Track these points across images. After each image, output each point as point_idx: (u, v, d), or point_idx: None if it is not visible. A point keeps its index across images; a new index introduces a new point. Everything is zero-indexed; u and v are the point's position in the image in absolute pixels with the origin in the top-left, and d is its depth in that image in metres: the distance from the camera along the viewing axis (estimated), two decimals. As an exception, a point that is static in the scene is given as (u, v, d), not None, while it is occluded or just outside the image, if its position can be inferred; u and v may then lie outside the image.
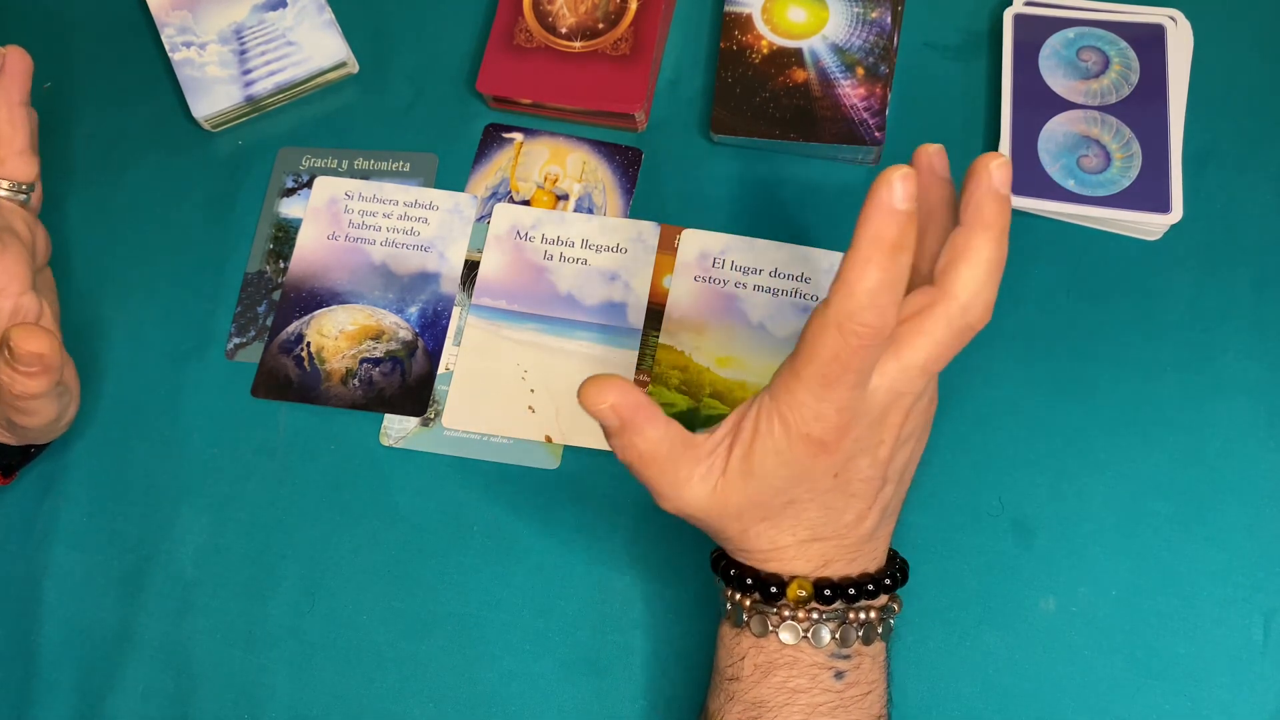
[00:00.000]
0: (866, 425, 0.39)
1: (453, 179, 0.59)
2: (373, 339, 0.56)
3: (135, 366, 0.57)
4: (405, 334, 0.56)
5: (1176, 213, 0.53)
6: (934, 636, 0.50)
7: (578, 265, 0.57)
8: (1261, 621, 0.49)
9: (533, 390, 0.54)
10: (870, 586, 0.41)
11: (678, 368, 0.54)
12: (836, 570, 0.41)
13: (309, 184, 0.60)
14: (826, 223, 0.57)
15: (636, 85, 0.58)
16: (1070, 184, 0.54)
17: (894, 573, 0.43)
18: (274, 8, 0.62)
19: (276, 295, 0.58)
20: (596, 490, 0.53)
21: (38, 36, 0.64)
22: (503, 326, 0.56)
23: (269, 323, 0.57)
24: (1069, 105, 0.55)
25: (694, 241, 0.56)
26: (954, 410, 0.53)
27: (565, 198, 0.58)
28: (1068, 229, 0.55)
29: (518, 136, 0.60)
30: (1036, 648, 0.49)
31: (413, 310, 0.57)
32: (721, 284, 0.55)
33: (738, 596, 0.42)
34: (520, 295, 0.56)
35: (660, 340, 0.55)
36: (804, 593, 0.41)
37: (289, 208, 0.59)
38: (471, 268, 0.57)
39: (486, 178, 0.59)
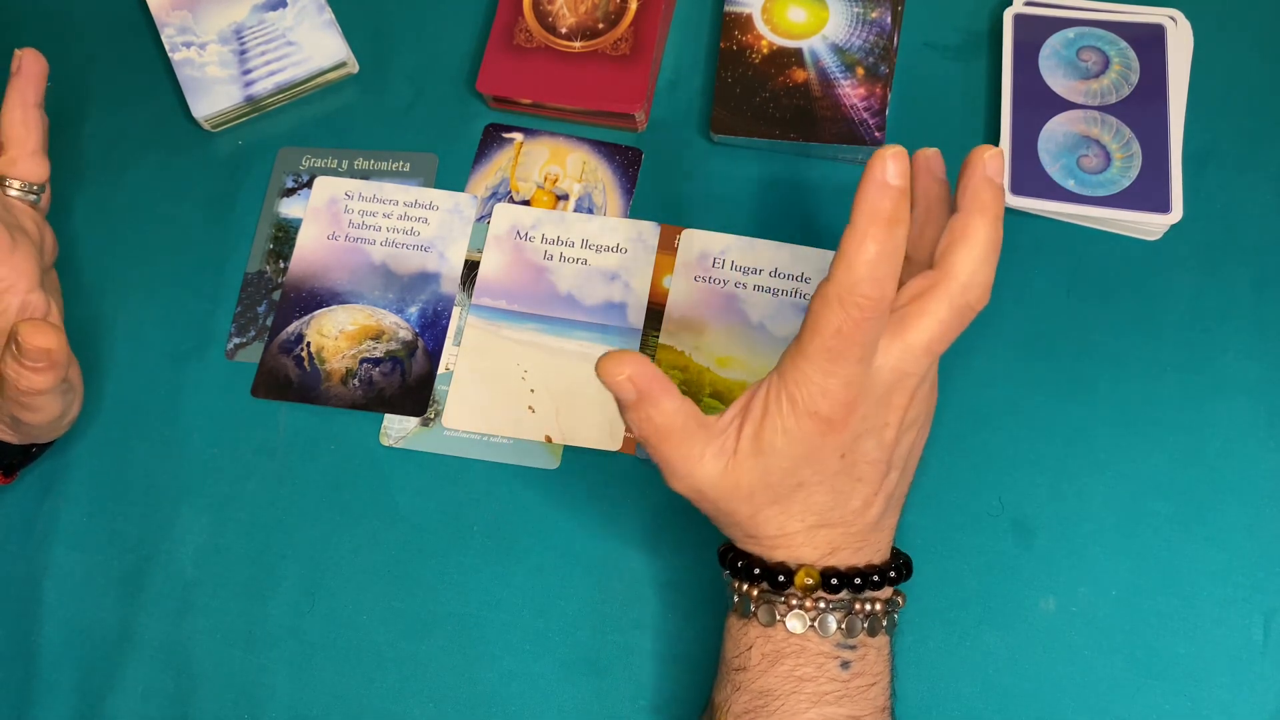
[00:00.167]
0: (872, 404, 0.40)
1: (453, 179, 0.59)
2: (373, 339, 0.56)
3: (135, 366, 0.57)
4: (405, 334, 0.56)
5: (1176, 213, 0.53)
6: (934, 636, 0.50)
7: (578, 265, 0.57)
8: (1261, 621, 0.49)
9: (533, 390, 0.54)
10: (875, 578, 0.42)
11: (678, 368, 0.54)
12: (843, 559, 0.42)
13: (309, 184, 0.60)
14: (826, 223, 0.57)
15: (636, 85, 0.58)
16: (1070, 184, 0.54)
17: (898, 566, 0.43)
18: (274, 8, 0.62)
19: (276, 295, 0.58)
20: (596, 490, 0.53)
21: (38, 37, 0.64)
22: (503, 326, 0.56)
23: (269, 323, 0.57)
24: (1069, 105, 0.56)
25: (694, 241, 0.56)
26: (954, 410, 0.53)
27: (565, 198, 0.58)
28: (1068, 229, 0.55)
29: (518, 136, 0.60)
30: (1036, 648, 0.49)
31: (413, 310, 0.57)
32: (721, 284, 0.55)
33: (745, 587, 0.43)
34: (520, 295, 0.56)
35: (660, 340, 0.55)
36: (811, 581, 0.41)
37: (289, 208, 0.59)
38: (471, 268, 0.57)
39: (486, 178, 0.59)
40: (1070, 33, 0.57)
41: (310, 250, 0.58)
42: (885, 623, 0.42)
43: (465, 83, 0.62)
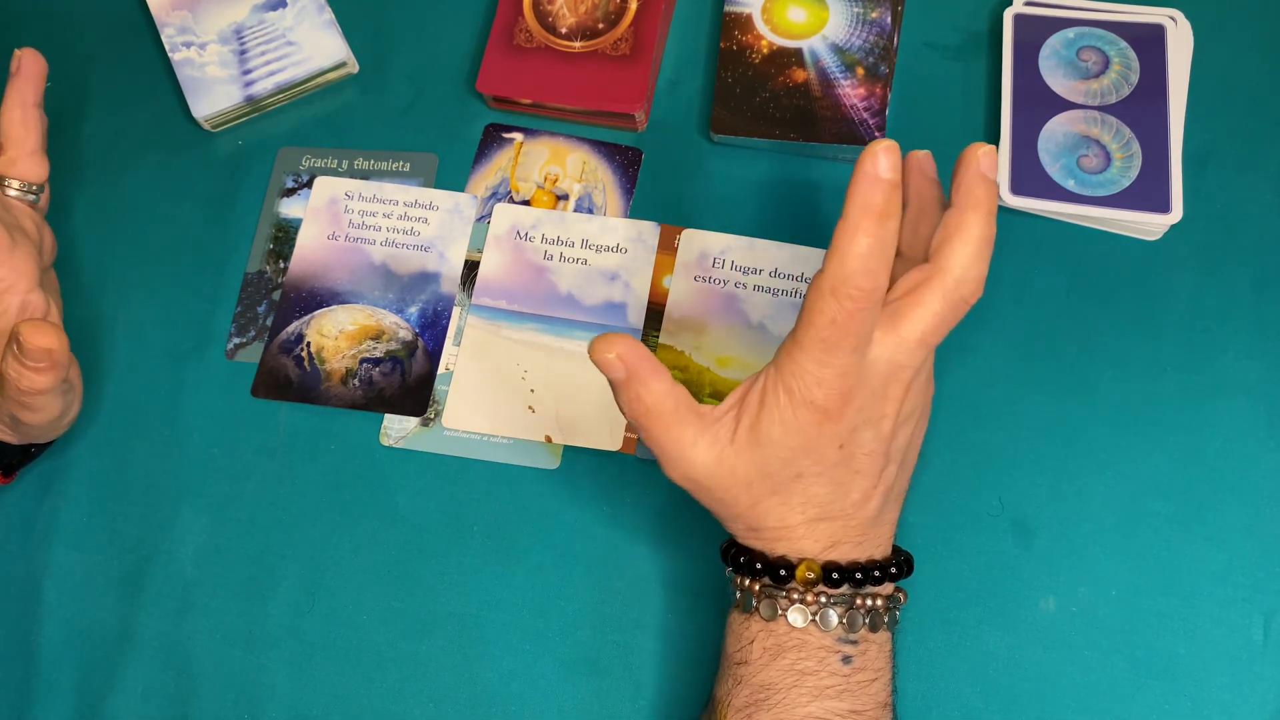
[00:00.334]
0: (868, 396, 0.40)
1: (453, 179, 0.59)
2: (373, 339, 0.56)
3: (135, 366, 0.57)
4: (405, 334, 0.56)
5: (1176, 213, 0.53)
6: (934, 636, 0.50)
7: (578, 265, 0.57)
8: (1261, 621, 0.49)
9: (533, 390, 0.54)
10: (876, 573, 0.42)
11: (678, 368, 0.54)
12: (844, 553, 0.42)
13: (309, 184, 0.60)
14: (826, 223, 0.57)
15: (636, 85, 0.58)
16: (1070, 184, 0.54)
17: (899, 563, 0.44)
18: (274, 8, 0.62)
19: (276, 295, 0.58)
20: (596, 490, 0.53)
21: (38, 36, 0.64)
22: (503, 326, 0.56)
23: (269, 323, 0.57)
24: (1069, 105, 0.56)
25: (694, 241, 0.56)
26: (954, 410, 0.53)
27: (565, 198, 0.58)
28: (1068, 229, 0.55)
29: (518, 136, 0.60)
30: (1036, 648, 0.49)
31: (413, 310, 0.57)
32: (721, 284, 0.55)
33: (747, 582, 0.43)
34: (520, 295, 0.56)
35: (660, 340, 0.55)
36: (812, 575, 0.42)
37: (289, 208, 0.59)
38: (471, 268, 0.57)
39: (486, 178, 0.59)
40: (1070, 33, 0.57)
41: (310, 250, 0.58)
42: (887, 618, 0.43)
43: (465, 83, 0.62)
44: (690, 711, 0.49)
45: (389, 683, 0.51)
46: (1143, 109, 0.55)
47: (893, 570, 0.43)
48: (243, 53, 0.61)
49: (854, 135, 0.56)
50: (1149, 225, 0.54)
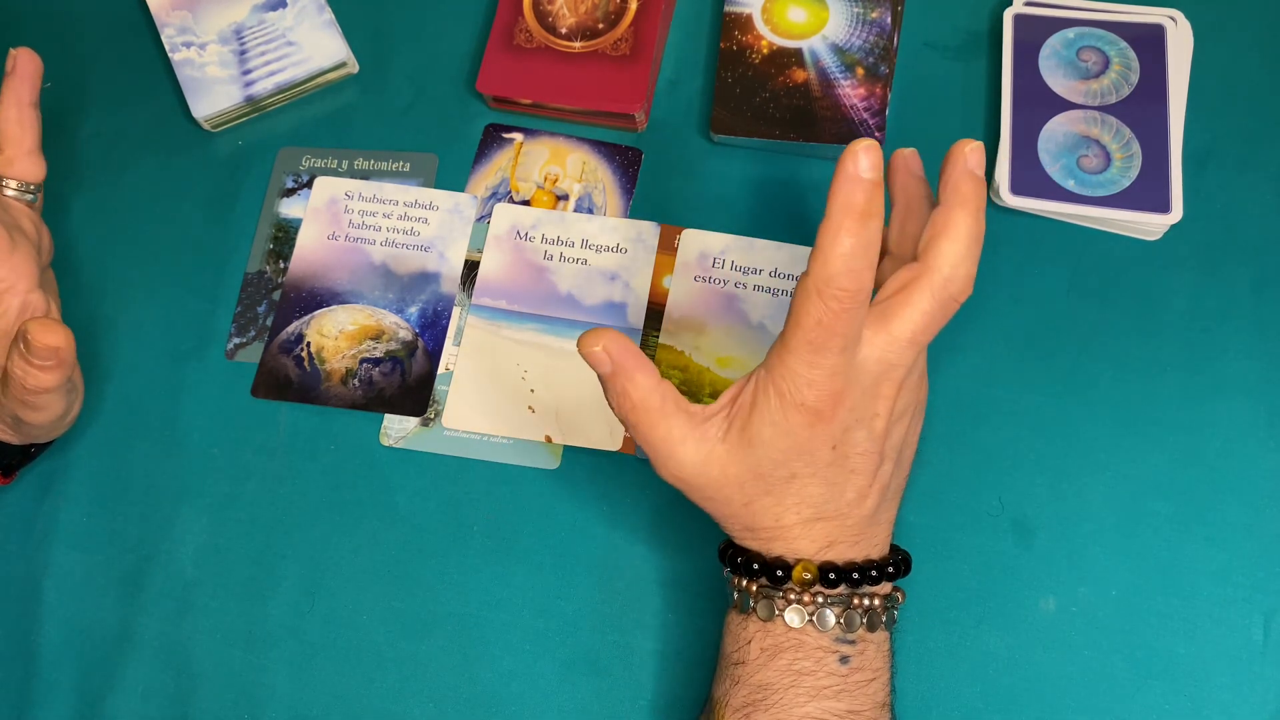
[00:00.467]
0: (859, 394, 0.40)
1: (453, 179, 0.59)
2: (373, 339, 0.56)
3: (135, 366, 0.57)
4: (405, 334, 0.56)
5: (1176, 213, 0.53)
6: (934, 636, 0.50)
7: (578, 265, 0.57)
8: (1261, 621, 0.49)
9: (533, 390, 0.54)
10: (873, 572, 0.42)
11: (678, 368, 0.54)
12: (840, 553, 0.42)
13: (309, 184, 0.60)
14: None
15: (636, 85, 0.58)
16: (1070, 184, 0.54)
17: (897, 562, 0.44)
18: (274, 8, 0.62)
19: (276, 295, 0.58)
20: (596, 490, 0.53)
21: (38, 36, 0.64)
22: (503, 326, 0.56)
23: (269, 323, 0.57)
24: (1069, 105, 0.56)
25: (694, 241, 0.56)
26: (954, 410, 0.53)
27: (565, 198, 0.58)
28: (1068, 229, 0.55)
29: (518, 136, 0.60)
30: (1036, 648, 0.49)
31: (413, 310, 0.57)
32: (721, 284, 0.55)
33: (744, 583, 0.43)
34: (520, 295, 0.56)
35: (660, 340, 0.55)
36: (809, 575, 0.42)
37: (289, 208, 0.59)
38: (471, 268, 0.57)
39: (486, 178, 0.59)
40: (1070, 33, 0.57)
41: (310, 250, 0.58)
42: (884, 618, 0.43)
43: (465, 83, 0.62)
44: (690, 711, 0.49)
45: (389, 683, 0.51)
46: (1143, 109, 0.55)
47: (890, 570, 0.43)
48: (243, 53, 0.61)
49: (854, 135, 0.56)
50: (1149, 225, 0.54)
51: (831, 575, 0.42)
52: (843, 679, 0.42)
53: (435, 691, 0.51)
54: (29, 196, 0.53)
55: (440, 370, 0.55)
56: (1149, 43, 0.56)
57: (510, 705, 0.50)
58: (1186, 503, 0.51)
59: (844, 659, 0.42)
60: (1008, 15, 0.58)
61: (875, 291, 0.42)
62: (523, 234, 0.57)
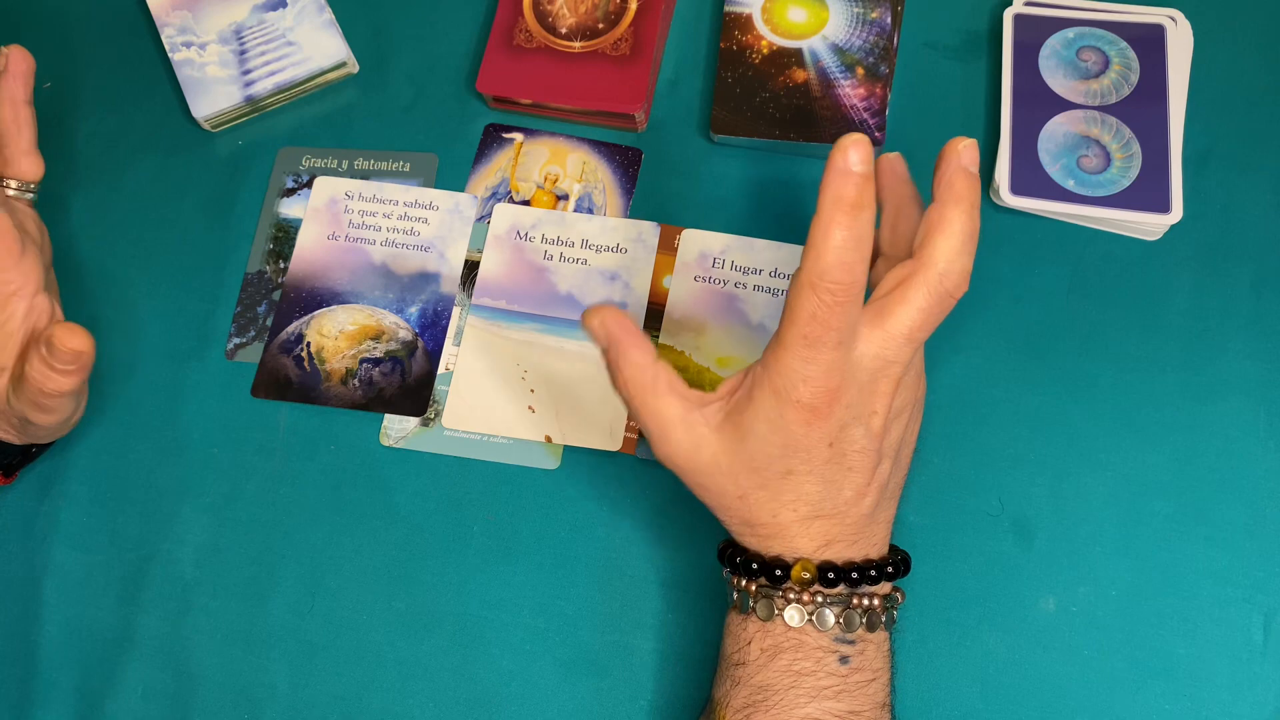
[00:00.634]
0: (856, 392, 0.40)
1: (453, 179, 0.59)
2: (373, 339, 0.56)
3: (135, 366, 0.57)
4: (405, 334, 0.56)
5: (1176, 213, 0.53)
6: (934, 636, 0.50)
7: (578, 265, 0.57)
8: (1261, 621, 0.49)
9: (533, 390, 0.54)
10: (872, 572, 0.42)
11: (678, 368, 0.54)
12: (839, 552, 0.42)
13: (309, 184, 0.60)
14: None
15: (636, 85, 0.58)
16: (1070, 184, 0.54)
17: (896, 562, 0.44)
18: (274, 8, 0.62)
19: (276, 295, 0.58)
20: (596, 490, 0.53)
21: (38, 36, 0.64)
22: (503, 326, 0.56)
23: (269, 323, 0.57)
24: (1069, 105, 0.56)
25: (694, 241, 0.56)
26: (954, 410, 0.53)
27: (565, 198, 0.58)
28: (1068, 229, 0.55)
29: (518, 136, 0.60)
30: (1036, 648, 0.49)
31: (413, 310, 0.57)
32: (721, 284, 0.55)
33: (744, 583, 0.43)
34: (520, 295, 0.56)
35: (660, 340, 0.55)
36: (808, 574, 0.42)
37: (289, 208, 0.59)
38: (471, 268, 0.57)
39: (486, 178, 0.59)
40: (1070, 33, 0.57)
41: (310, 250, 0.58)
42: (884, 618, 0.43)
43: (465, 83, 0.62)
44: (690, 712, 0.49)
45: (389, 683, 0.51)
46: (1143, 109, 0.55)
47: (889, 570, 0.43)
48: (243, 53, 0.61)
49: (854, 135, 0.56)
50: (1149, 225, 0.54)
51: (830, 574, 0.42)
52: (843, 679, 0.42)
53: (435, 691, 0.51)
54: (29, 195, 0.54)
55: (440, 370, 0.55)
56: (1149, 43, 0.56)
57: (510, 705, 0.50)
58: (1186, 503, 0.51)
59: (844, 659, 0.42)
60: (1008, 15, 0.58)
61: (871, 291, 0.42)
62: (523, 234, 0.57)
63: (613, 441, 0.53)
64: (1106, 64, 0.56)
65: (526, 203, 0.58)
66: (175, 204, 0.60)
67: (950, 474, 0.52)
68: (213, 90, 0.60)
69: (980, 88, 0.59)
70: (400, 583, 0.53)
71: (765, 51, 0.58)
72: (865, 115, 0.56)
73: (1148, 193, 0.53)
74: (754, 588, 0.43)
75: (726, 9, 0.59)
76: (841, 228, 0.38)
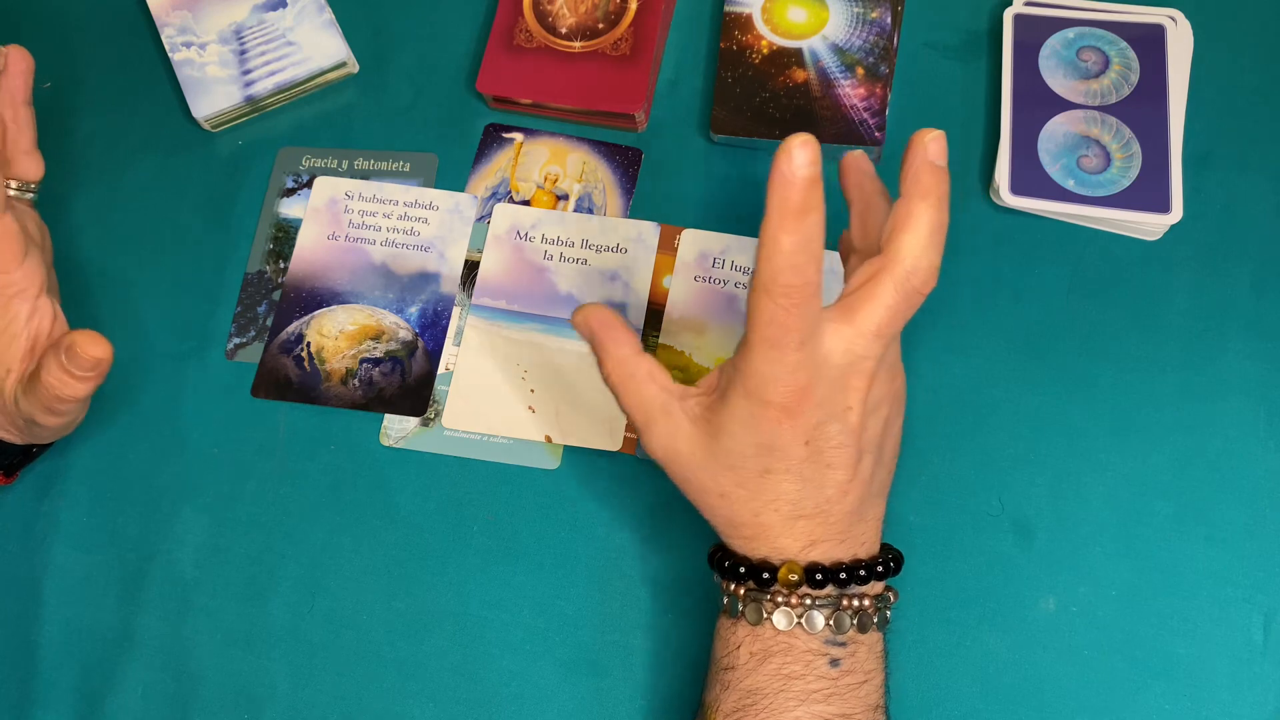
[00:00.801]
0: (827, 388, 0.40)
1: (453, 179, 0.59)
2: (373, 339, 0.56)
3: (135, 367, 0.57)
4: (405, 334, 0.56)
5: (1176, 213, 0.53)
6: (934, 636, 0.50)
7: (578, 265, 0.57)
8: (1261, 621, 0.49)
9: (533, 390, 0.54)
10: (861, 572, 0.42)
11: (678, 368, 0.54)
12: (826, 552, 0.42)
13: (309, 184, 0.60)
14: (826, 224, 0.56)
15: (636, 85, 0.58)
16: (1070, 184, 0.54)
17: (886, 561, 0.43)
18: (274, 8, 0.62)
19: (276, 295, 0.58)
20: (596, 490, 0.53)
21: (38, 36, 0.64)
22: (503, 326, 0.56)
23: (269, 323, 0.57)
24: (1069, 105, 0.56)
25: (694, 241, 0.56)
26: (954, 410, 0.53)
27: (565, 198, 0.58)
28: (1068, 229, 0.55)
29: (518, 136, 0.60)
30: (1036, 648, 0.49)
31: (413, 310, 0.57)
32: (721, 284, 0.55)
33: (732, 586, 0.43)
34: (520, 295, 0.56)
35: (660, 340, 0.55)
36: (795, 576, 0.41)
37: (289, 208, 0.59)
38: (471, 268, 0.57)
39: (486, 178, 0.59)
40: (1070, 33, 0.57)
41: (310, 250, 0.58)
42: (876, 619, 0.42)
43: (465, 83, 0.62)
44: (689, 712, 0.49)
45: (389, 683, 0.51)
46: (1143, 109, 0.55)
47: (879, 569, 0.42)
48: (243, 53, 0.61)
49: (854, 135, 0.56)
50: (1149, 225, 0.54)
51: (818, 576, 0.41)
52: (833, 682, 0.41)
53: (435, 691, 0.51)
54: (30, 195, 0.54)
55: (440, 370, 0.55)
56: (1149, 43, 0.56)
57: (510, 705, 0.50)
58: (1186, 503, 0.51)
59: (834, 662, 0.41)
60: (1008, 15, 0.58)
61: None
62: (523, 234, 0.57)
63: (613, 441, 0.53)
64: (1106, 64, 0.56)
65: (526, 203, 0.58)
66: (175, 204, 0.60)
67: (950, 474, 0.52)
68: (213, 90, 0.60)
69: (980, 88, 0.59)
70: (400, 583, 0.53)
71: (765, 51, 0.58)
72: (865, 115, 0.56)
73: (1148, 193, 0.53)
74: (742, 591, 0.42)
75: (726, 9, 0.59)
76: (788, 233, 0.37)
